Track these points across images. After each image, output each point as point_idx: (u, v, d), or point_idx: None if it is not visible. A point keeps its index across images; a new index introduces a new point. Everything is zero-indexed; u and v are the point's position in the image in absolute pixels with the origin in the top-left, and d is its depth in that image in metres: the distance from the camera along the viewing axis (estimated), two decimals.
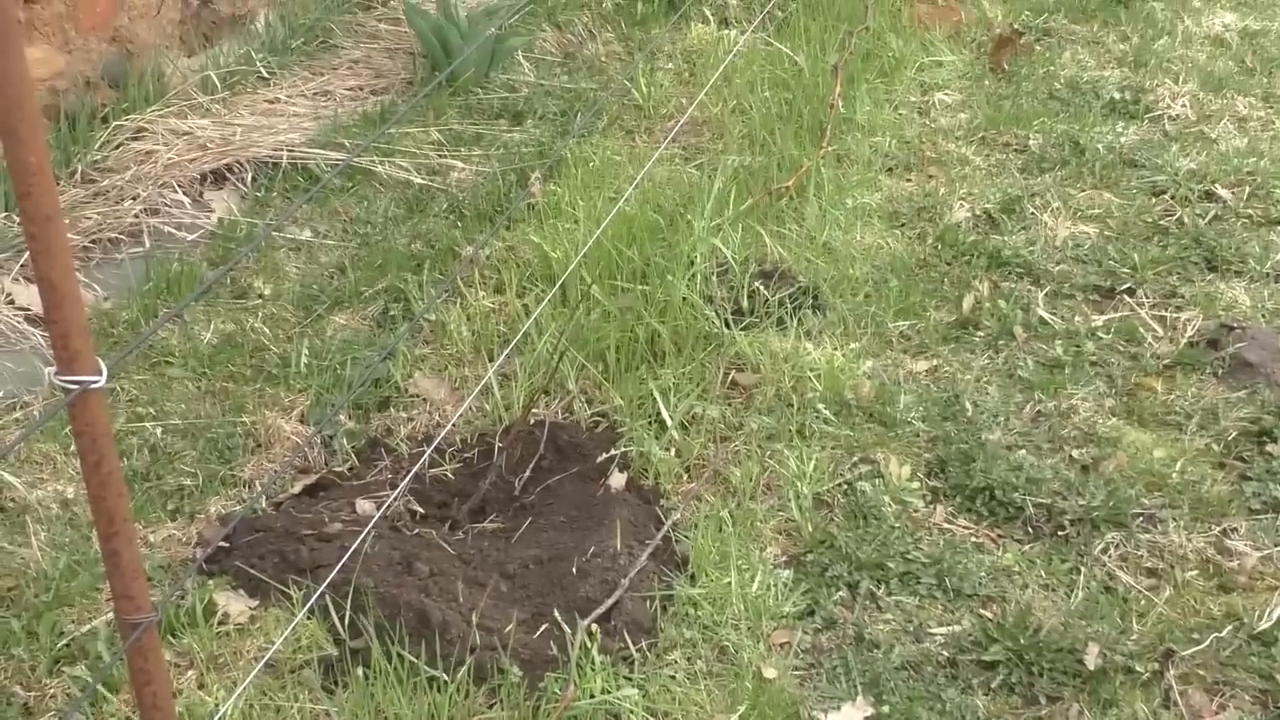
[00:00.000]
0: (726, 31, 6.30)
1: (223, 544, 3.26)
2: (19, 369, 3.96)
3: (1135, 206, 4.94)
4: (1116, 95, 5.84)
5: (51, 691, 2.90)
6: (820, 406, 3.80)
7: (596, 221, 4.34)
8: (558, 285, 4.02)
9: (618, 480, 3.51)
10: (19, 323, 4.11)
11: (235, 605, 3.11)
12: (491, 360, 3.94)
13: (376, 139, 5.19)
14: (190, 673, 2.93)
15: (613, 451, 3.60)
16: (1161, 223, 4.82)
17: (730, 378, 3.93)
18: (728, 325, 4.07)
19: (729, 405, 3.83)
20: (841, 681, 2.98)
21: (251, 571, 3.18)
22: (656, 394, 3.76)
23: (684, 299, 4.05)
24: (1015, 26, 6.41)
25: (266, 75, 5.79)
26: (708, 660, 3.01)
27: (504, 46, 5.97)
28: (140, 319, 4.22)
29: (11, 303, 4.17)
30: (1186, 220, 4.81)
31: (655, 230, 4.37)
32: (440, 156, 5.30)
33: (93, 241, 4.58)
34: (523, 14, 6.28)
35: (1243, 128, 5.62)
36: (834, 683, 2.99)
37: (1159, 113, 5.71)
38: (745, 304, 4.20)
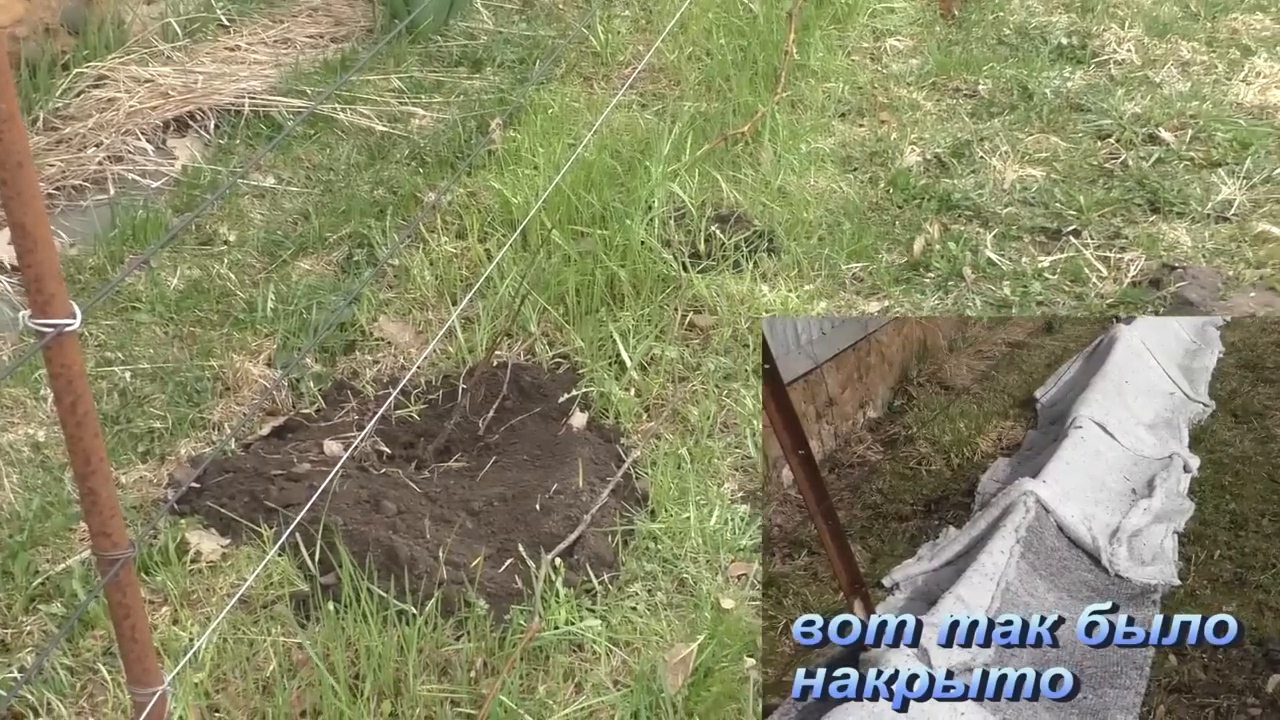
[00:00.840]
0: None
1: (194, 485, 3.34)
2: None
3: (1081, 150, 5.05)
4: (1064, 40, 5.94)
5: (28, 629, 2.97)
6: None
7: (556, 167, 4.40)
8: (518, 230, 4.09)
9: (579, 420, 3.60)
10: None
11: (207, 544, 3.18)
12: (455, 304, 4.01)
13: (338, 87, 5.22)
14: (164, 609, 3.01)
15: (574, 392, 3.69)
16: (1106, 165, 4.93)
17: (688, 319, 4.01)
18: (685, 268, 4.15)
19: (687, 346, 3.92)
20: None
21: (222, 511, 3.26)
22: (616, 336, 3.84)
23: (642, 243, 4.13)
24: None
25: (227, 23, 5.81)
26: (668, 592, 3.11)
27: None
28: (107, 265, 4.26)
29: None
30: (1131, 163, 4.92)
31: (613, 176, 4.44)
32: (401, 104, 5.34)
33: (57, 189, 4.62)
34: None
35: (1186, 72, 5.72)
36: None
37: (1105, 57, 5.81)
38: (702, 247, 4.29)
